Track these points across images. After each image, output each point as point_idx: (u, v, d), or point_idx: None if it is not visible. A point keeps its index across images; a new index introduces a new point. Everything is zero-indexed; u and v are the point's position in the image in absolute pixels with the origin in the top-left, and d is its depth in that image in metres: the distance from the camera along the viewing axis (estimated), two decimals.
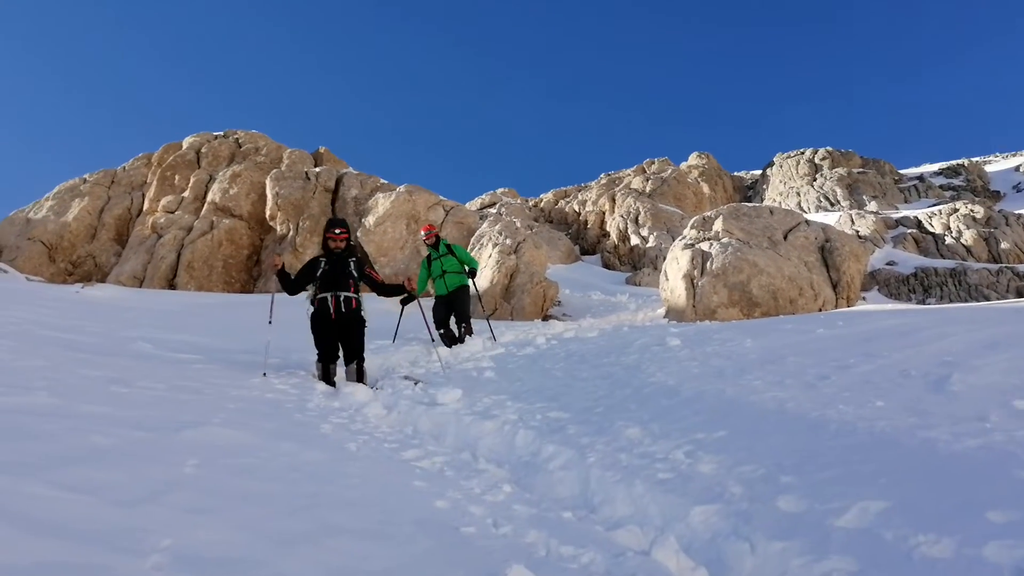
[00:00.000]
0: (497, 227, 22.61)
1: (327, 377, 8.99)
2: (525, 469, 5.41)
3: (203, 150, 35.80)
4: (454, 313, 13.04)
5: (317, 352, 9.20)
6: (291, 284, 9.32)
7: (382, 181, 31.20)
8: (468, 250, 22.48)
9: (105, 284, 26.38)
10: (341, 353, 9.30)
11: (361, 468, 4.85)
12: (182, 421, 5.21)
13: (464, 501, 4.29)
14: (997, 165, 66.78)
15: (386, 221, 25.81)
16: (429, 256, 13.45)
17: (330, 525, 3.44)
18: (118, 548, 2.70)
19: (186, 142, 37.00)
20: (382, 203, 26.63)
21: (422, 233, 13.99)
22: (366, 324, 9.47)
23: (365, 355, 9.51)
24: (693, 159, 64.92)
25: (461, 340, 12.48)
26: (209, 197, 31.63)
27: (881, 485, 3.75)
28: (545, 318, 19.38)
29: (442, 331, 12.74)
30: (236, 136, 37.45)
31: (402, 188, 27.37)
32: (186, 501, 3.39)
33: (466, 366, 9.98)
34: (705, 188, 57.24)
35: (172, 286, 28.08)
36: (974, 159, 67.95)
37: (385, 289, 9.79)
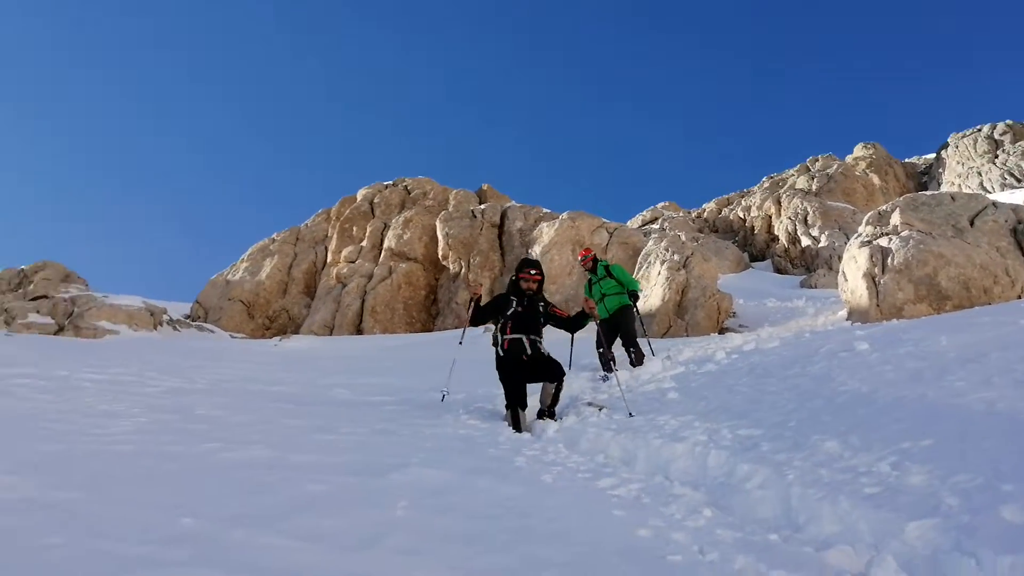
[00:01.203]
0: (663, 244, 22.44)
1: (518, 425, 8.46)
2: (722, 491, 5.35)
3: (376, 200, 37.68)
4: (620, 336, 12.99)
5: (507, 398, 8.74)
6: (481, 314, 8.96)
7: (544, 211, 31.69)
8: (636, 269, 22.42)
9: (299, 335, 28.06)
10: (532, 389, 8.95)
11: (559, 500, 4.95)
12: (386, 464, 5.54)
13: (666, 528, 4.30)
14: None
15: (552, 249, 26.17)
16: (589, 280, 13.51)
17: (536, 559, 3.54)
18: None
19: (360, 194, 39.02)
20: (546, 232, 27.03)
21: (580, 258, 13.94)
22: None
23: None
24: (859, 150, 61.93)
25: (633, 364, 12.42)
26: (385, 244, 33.21)
27: None
28: (721, 331, 19.03)
29: (601, 350, 12.50)
30: (405, 183, 39.17)
31: (564, 215, 27.70)
32: (401, 544, 3.62)
33: (647, 388, 9.96)
34: (875, 180, 54.47)
35: (359, 331, 29.55)
36: None
37: (570, 323, 9.29)
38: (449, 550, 3.59)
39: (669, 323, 19.52)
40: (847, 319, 15.79)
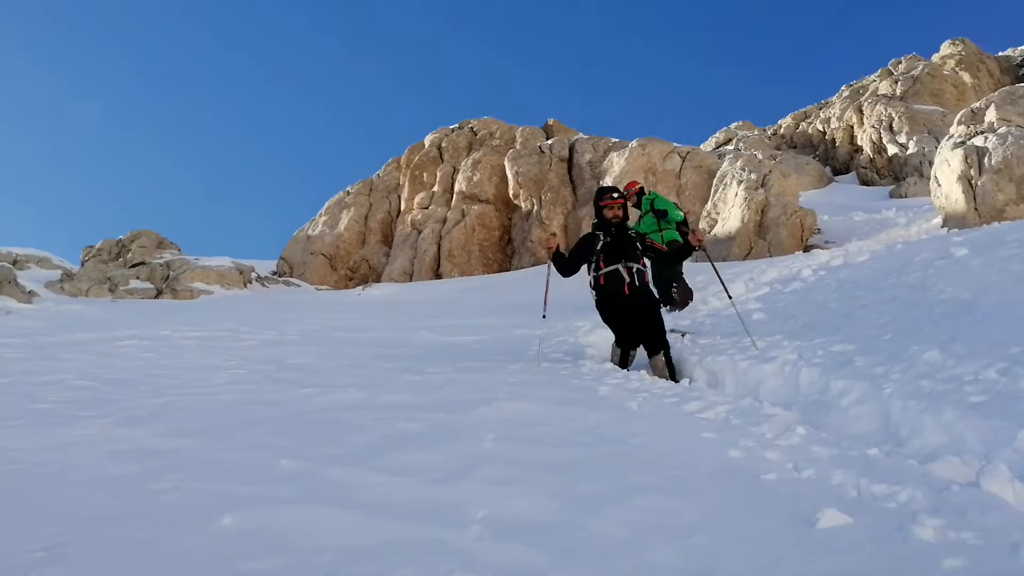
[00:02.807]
0: (738, 163, 21.71)
1: (625, 363, 7.77)
2: (815, 408, 5.14)
3: (443, 144, 37.66)
4: (663, 275, 11.50)
5: (616, 336, 7.89)
6: (567, 264, 7.77)
7: (614, 140, 31.05)
8: (712, 192, 21.81)
9: (381, 284, 28.47)
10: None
11: (648, 425, 4.84)
12: (474, 400, 5.55)
13: (758, 448, 4.12)
14: None
15: (624, 179, 25.64)
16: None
17: (631, 484, 3.46)
18: (444, 522, 2.94)
19: (427, 140, 39.03)
20: (617, 162, 26.52)
21: (625, 191, 11.75)
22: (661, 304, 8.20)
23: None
24: (946, 48, 58.57)
25: (675, 304, 11.53)
26: (456, 187, 33.20)
27: None
28: (806, 249, 18.40)
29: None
30: (471, 125, 39.00)
31: (634, 143, 27.10)
32: (493, 474, 3.61)
33: (731, 311, 9.67)
34: (966, 78, 51.64)
35: (438, 276, 29.82)
36: None
37: (673, 255, 8.64)
38: (545, 478, 3.56)
39: (750, 245, 18.99)
40: (943, 226, 15.07)
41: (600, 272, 7.65)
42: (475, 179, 32.57)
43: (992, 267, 7.16)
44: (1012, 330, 5.05)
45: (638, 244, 7.77)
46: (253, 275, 27.77)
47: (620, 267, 7.55)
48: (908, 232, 16.70)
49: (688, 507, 3.15)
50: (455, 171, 34.41)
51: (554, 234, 8.67)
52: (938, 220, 15.86)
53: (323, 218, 37.59)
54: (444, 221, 31.70)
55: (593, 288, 7.76)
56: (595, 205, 8.03)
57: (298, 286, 30.09)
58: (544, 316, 8.42)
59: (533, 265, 27.03)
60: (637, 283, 7.53)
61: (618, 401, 5.77)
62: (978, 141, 14.63)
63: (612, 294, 7.56)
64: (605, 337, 9.25)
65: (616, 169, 26.27)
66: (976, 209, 13.79)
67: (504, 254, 31.30)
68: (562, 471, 3.67)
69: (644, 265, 7.77)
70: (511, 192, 31.22)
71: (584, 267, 7.89)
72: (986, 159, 14.04)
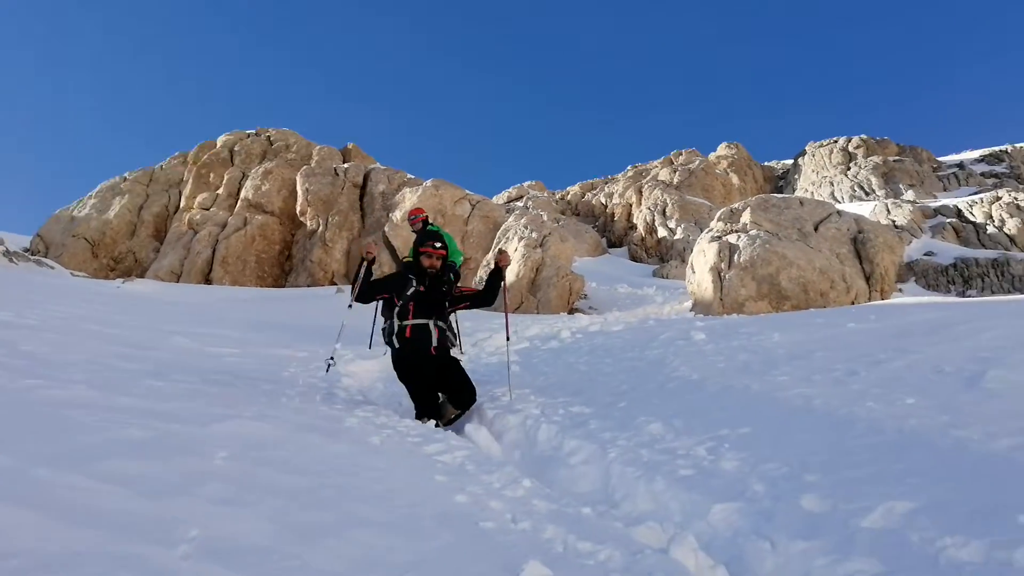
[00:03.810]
0: (523, 221, 22.56)
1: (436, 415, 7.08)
2: (547, 464, 5.38)
3: (236, 148, 36.42)
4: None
5: (418, 407, 7.08)
6: (370, 288, 7.09)
7: (409, 176, 31.30)
8: (494, 243, 22.44)
9: (145, 279, 26.87)
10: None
11: (385, 461, 4.84)
12: (214, 414, 5.26)
13: (484, 496, 4.23)
14: None
15: None
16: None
17: (355, 517, 3.44)
18: (149, 538, 2.75)
19: (220, 140, 37.56)
20: (409, 198, 26.73)
21: (409, 217, 11.42)
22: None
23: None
24: (722, 150, 64.24)
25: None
26: (243, 194, 32.12)
27: (909, 485, 3.65)
28: (571, 311, 19.30)
29: None
30: (268, 134, 37.99)
31: (429, 183, 27.45)
32: (215, 492, 3.43)
33: (491, 360, 9.94)
34: (734, 179, 56.69)
35: (208, 281, 28.58)
36: (1018, 144, 66.29)
37: (485, 294, 7.46)
38: (267, 502, 3.42)
39: (521, 299, 19.66)
40: (691, 310, 16.32)
41: (406, 323, 6.97)
42: (264, 189, 31.64)
43: (722, 354, 7.90)
44: (726, 414, 5.55)
45: (447, 301, 7.22)
46: (0, 248, 25.37)
47: (431, 324, 6.99)
48: (662, 310, 17.92)
49: (407, 547, 3.18)
50: (244, 177, 33.31)
51: (376, 243, 7.61)
52: (689, 304, 17.16)
53: (92, 200, 35.11)
54: (224, 226, 30.49)
55: (396, 337, 6.98)
56: (414, 248, 7.46)
57: (51, 268, 27.78)
58: (351, 306, 7.40)
59: (310, 285, 26.53)
60: (437, 343, 6.99)
61: (362, 434, 5.73)
62: (731, 238, 16.07)
63: (416, 351, 6.95)
64: (366, 368, 9.21)
65: (407, 204, 26.46)
66: (722, 300, 15.07)
67: (281, 269, 30.49)
68: (289, 497, 3.57)
69: (448, 324, 7.25)
70: (299, 208, 30.60)
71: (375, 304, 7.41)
72: (736, 256, 15.43)
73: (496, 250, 7.61)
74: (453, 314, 7.43)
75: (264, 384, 7.45)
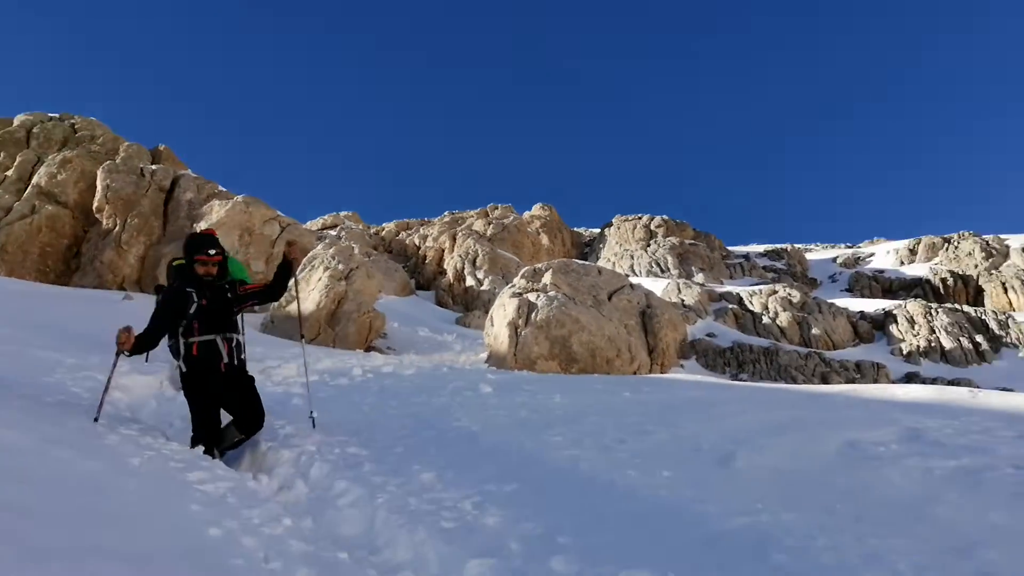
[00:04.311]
0: (331, 251, 22.24)
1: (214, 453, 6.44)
2: (315, 503, 5.27)
3: (35, 130, 33.70)
4: None
5: (197, 432, 6.48)
6: (150, 337, 6.33)
7: (220, 188, 30.11)
8: (300, 269, 21.96)
9: None
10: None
11: (140, 484, 4.57)
12: None
13: (239, 531, 4.09)
14: (817, 254, 71.89)
15: (220, 229, 24.89)
16: None
17: (91, 544, 3.20)
18: None
19: (17, 119, 34.66)
20: (217, 211, 25.72)
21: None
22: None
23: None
24: (536, 210, 66.32)
25: None
26: (35, 180, 29.64)
27: (651, 554, 3.87)
28: (368, 349, 19.14)
29: None
30: (72, 121, 35.45)
31: (240, 198, 26.55)
32: None
33: (276, 391, 9.67)
34: (545, 240, 58.57)
35: None
36: (797, 245, 72.80)
37: (275, 286, 6.83)
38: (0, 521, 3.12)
39: (319, 330, 19.31)
40: (486, 361, 16.60)
41: (192, 340, 6.36)
42: (60, 178, 29.45)
43: (505, 408, 8.10)
44: (497, 469, 5.68)
45: (235, 307, 6.63)
46: None
47: (218, 338, 6.42)
48: (458, 358, 18.12)
49: None
50: (39, 162, 30.87)
51: (128, 329, 6.30)
52: (484, 355, 17.46)
53: None
54: (9, 211, 28.05)
55: (183, 358, 6.37)
56: (186, 255, 6.54)
57: None
58: (96, 419, 6.28)
59: (96, 287, 24.85)
60: (235, 360, 6.50)
61: (122, 453, 5.41)
62: (532, 296, 16.57)
63: (206, 370, 6.38)
64: (142, 383, 8.75)
65: (215, 217, 25.44)
66: (515, 355, 15.45)
67: (67, 267, 28.33)
68: (24, 517, 3.30)
69: (243, 335, 6.71)
70: (96, 204, 28.62)
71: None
72: (534, 314, 15.91)
73: (286, 241, 7.13)
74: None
75: (21, 388, 6.93)
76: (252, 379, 6.77)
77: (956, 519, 4.44)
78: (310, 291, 20.46)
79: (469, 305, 39.44)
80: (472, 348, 21.10)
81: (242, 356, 6.59)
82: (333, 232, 48.58)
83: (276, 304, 20.83)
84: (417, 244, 52.45)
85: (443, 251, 48.42)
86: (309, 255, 23.25)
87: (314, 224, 55.63)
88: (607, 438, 6.59)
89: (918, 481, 5.35)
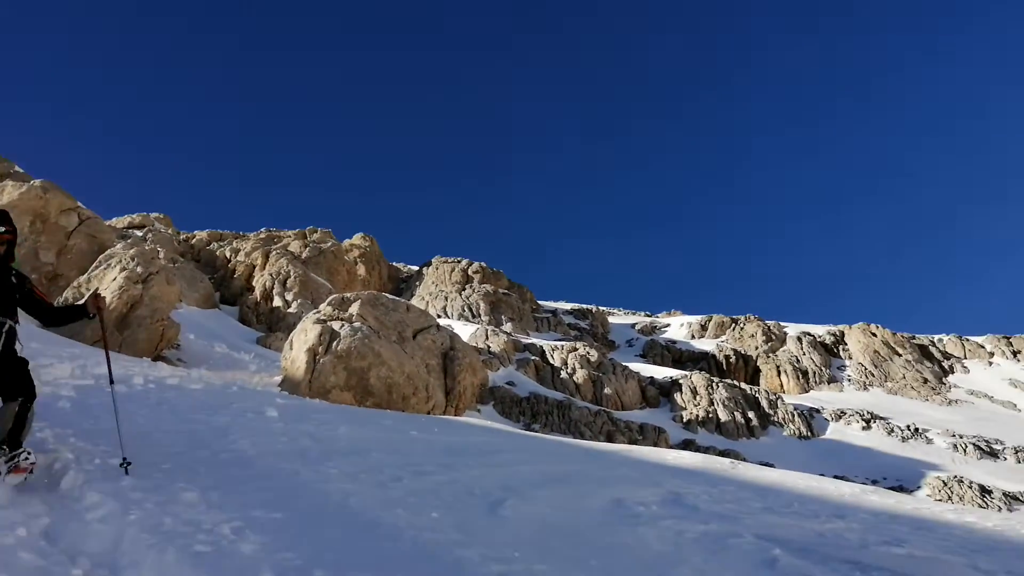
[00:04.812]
0: (132, 251, 21.08)
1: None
2: (62, 514, 4.95)
3: None
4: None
5: None
6: None
7: (17, 168, 27.98)
8: (94, 267, 20.67)
9: None
10: None
11: None
12: None
13: None
14: (619, 319, 75.11)
15: (11, 212, 23.08)
16: None
17: None
18: None
19: None
20: (9, 192, 23.82)
21: None
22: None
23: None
24: (357, 239, 65.63)
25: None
26: None
27: None
28: (156, 358, 18.19)
29: None
30: None
31: (38, 182, 24.71)
32: None
33: (44, 391, 9.03)
34: (362, 270, 58.02)
35: None
36: (602, 308, 75.83)
37: (55, 315, 6.41)
38: None
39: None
40: (280, 385, 16.18)
41: None
42: None
43: (287, 435, 7.93)
44: (266, 496, 5.55)
45: (16, 294, 5.97)
46: None
47: None
48: (251, 379, 17.53)
49: None
50: None
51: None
52: (279, 378, 17.01)
53: None
54: None
55: None
56: None
57: None
58: None
59: None
60: (4, 347, 5.77)
61: None
62: (336, 325, 16.38)
63: None
64: None
65: (5, 198, 23.54)
66: (311, 382, 15.17)
67: None
68: None
69: (17, 322, 5.97)
70: None
71: None
72: (335, 343, 15.70)
73: (94, 292, 6.47)
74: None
75: None
76: (25, 361, 6.04)
77: None
78: (103, 290, 19.27)
79: (273, 326, 38.30)
80: (268, 369, 20.50)
81: (14, 346, 5.88)
82: (140, 232, 46.07)
83: (63, 298, 19.49)
84: (228, 257, 50.52)
85: (254, 267, 46.90)
86: (106, 253, 21.91)
87: (120, 221, 52.53)
88: (384, 475, 6.60)
89: (670, 542, 5.71)
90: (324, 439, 7.99)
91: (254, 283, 44.83)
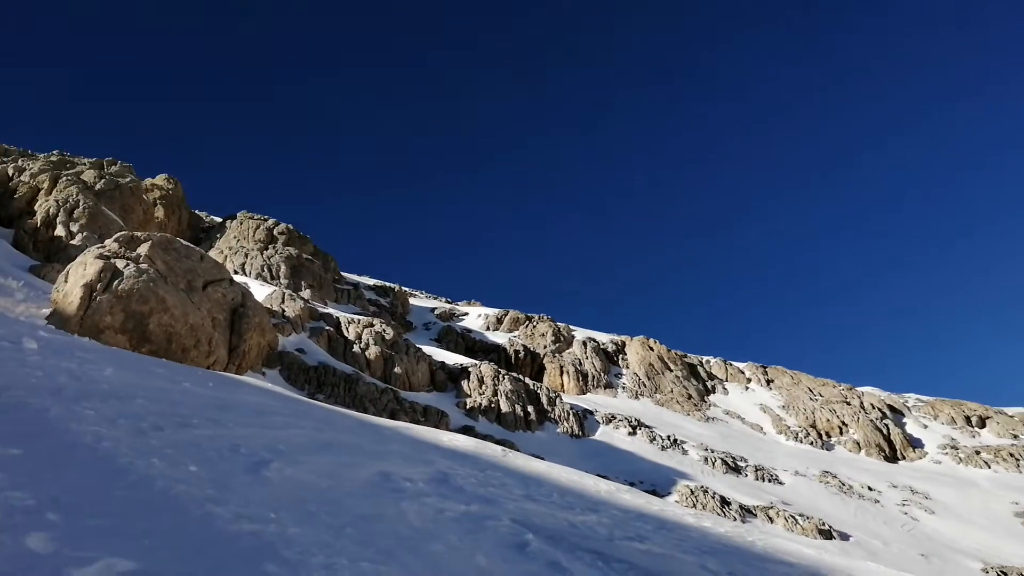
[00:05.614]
0: None
1: None
2: None
3: None
4: None
5: None
6: None
7: None
8: None
9: None
10: None
11: None
12: None
13: None
14: (420, 301, 75.04)
15: None
16: None
17: None
18: None
19: None
20: None
21: None
22: None
23: None
24: (160, 179, 61.83)
25: None
26: None
27: (140, 545, 3.67)
28: None
29: None
30: None
31: None
32: None
33: None
34: (160, 212, 54.89)
35: None
36: (405, 288, 75.56)
37: None
38: None
39: None
40: (47, 319, 14.95)
41: None
42: None
43: (43, 370, 7.27)
44: (3, 428, 5.07)
45: None
46: None
47: None
48: (16, 307, 16.13)
49: None
50: None
51: None
52: (48, 311, 15.73)
53: None
54: None
55: None
56: None
57: None
58: None
59: None
60: None
61: None
62: (119, 263, 15.30)
63: None
64: None
65: None
66: (82, 320, 14.11)
67: None
68: None
69: None
70: None
71: None
72: (116, 282, 14.68)
73: None
74: None
75: None
76: None
77: (448, 557, 4.79)
78: None
79: (52, 256, 35.40)
80: (38, 301, 18.87)
81: None
82: None
83: None
84: (11, 175, 46.18)
85: (39, 191, 43.17)
86: None
87: None
88: (145, 423, 6.21)
89: (429, 519, 5.73)
90: (85, 378, 7.41)
91: (36, 207, 41.25)
